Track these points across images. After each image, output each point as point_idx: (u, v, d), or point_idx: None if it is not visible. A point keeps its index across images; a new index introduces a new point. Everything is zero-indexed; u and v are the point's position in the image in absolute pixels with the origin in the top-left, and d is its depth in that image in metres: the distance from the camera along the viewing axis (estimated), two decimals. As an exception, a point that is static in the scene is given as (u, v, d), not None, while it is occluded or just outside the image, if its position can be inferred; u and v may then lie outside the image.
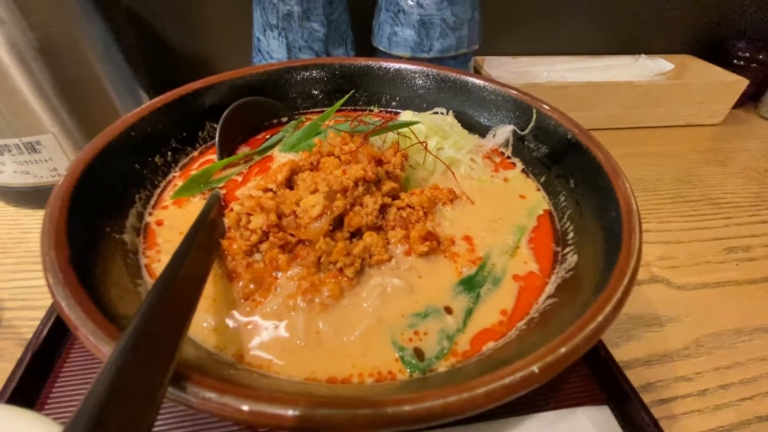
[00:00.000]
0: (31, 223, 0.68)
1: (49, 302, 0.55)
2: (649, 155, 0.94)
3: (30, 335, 0.52)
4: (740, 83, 0.99)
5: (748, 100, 1.10)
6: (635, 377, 0.48)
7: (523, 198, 0.48)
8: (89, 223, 0.34)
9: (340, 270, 0.35)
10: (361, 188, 0.40)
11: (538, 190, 0.49)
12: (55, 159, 0.64)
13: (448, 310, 0.34)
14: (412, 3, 0.73)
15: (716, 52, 1.12)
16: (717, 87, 1.00)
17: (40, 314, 0.54)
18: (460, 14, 0.74)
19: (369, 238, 0.37)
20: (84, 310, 0.24)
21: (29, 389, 0.42)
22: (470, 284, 0.36)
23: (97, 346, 0.22)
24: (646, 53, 1.11)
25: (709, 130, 1.05)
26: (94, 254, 0.31)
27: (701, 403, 0.47)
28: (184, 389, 0.21)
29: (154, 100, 0.48)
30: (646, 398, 0.45)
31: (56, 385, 0.44)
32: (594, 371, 0.43)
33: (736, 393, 0.48)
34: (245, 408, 0.20)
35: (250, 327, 0.32)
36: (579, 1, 1.05)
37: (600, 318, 0.25)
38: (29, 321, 0.53)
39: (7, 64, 0.56)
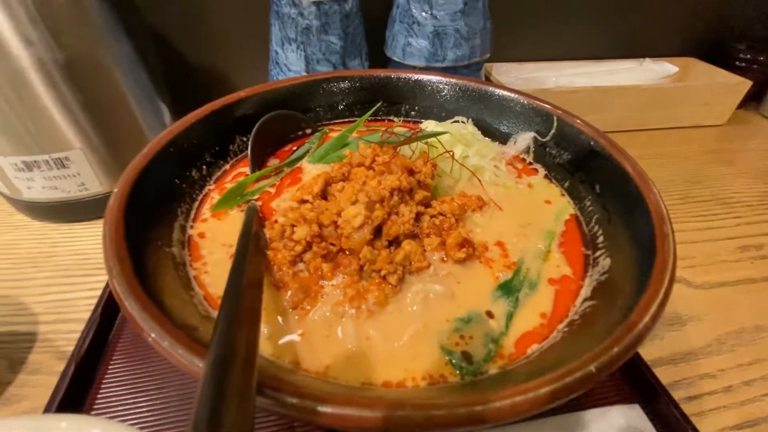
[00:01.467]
0: (58, 237, 0.69)
1: (83, 315, 0.56)
2: (659, 156, 0.96)
3: (66, 348, 0.53)
4: (743, 84, 1.01)
5: (749, 100, 1.13)
6: (662, 375, 0.49)
7: (549, 203, 0.49)
8: (144, 237, 0.35)
9: (383, 278, 0.37)
10: (396, 198, 0.41)
11: (563, 195, 0.50)
12: (82, 174, 0.66)
13: (490, 315, 0.35)
14: (426, 14, 0.75)
15: (718, 54, 1.14)
16: (721, 89, 1.02)
17: (76, 326, 0.55)
18: (473, 25, 0.76)
19: (408, 246, 0.38)
20: (158, 324, 0.25)
21: (74, 401, 0.43)
22: (508, 289, 0.38)
23: (182, 361, 0.23)
24: (649, 56, 1.13)
25: (715, 131, 1.07)
26: (153, 267, 0.33)
27: (727, 399, 0.48)
28: (268, 396, 0.22)
29: (188, 115, 0.50)
30: (674, 396, 0.46)
31: (99, 396, 0.45)
32: (624, 371, 0.44)
33: (759, 389, 0.50)
34: (329, 411, 0.21)
35: (301, 334, 0.33)
36: (582, 7, 1.07)
37: (646, 318, 0.27)
38: (65, 334, 0.54)
39: (37, 83, 0.57)
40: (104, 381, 0.46)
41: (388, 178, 0.42)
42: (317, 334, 0.33)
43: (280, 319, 0.34)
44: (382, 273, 0.36)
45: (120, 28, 0.64)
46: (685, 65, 1.13)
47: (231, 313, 0.25)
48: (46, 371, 0.50)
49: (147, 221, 0.37)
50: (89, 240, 0.68)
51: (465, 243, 0.39)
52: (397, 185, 0.41)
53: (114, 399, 0.44)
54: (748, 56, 1.09)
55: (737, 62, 1.11)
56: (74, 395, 0.44)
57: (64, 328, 0.55)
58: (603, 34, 1.14)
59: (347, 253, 0.39)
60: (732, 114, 1.07)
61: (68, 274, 0.62)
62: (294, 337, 0.33)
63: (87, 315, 0.53)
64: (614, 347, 0.25)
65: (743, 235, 0.73)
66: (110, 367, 0.47)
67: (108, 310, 0.50)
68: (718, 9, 1.13)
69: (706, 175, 0.89)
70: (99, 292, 0.59)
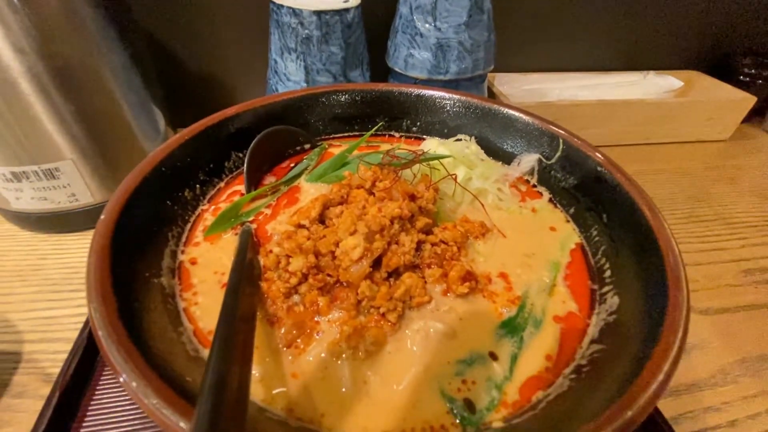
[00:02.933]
0: (47, 248, 0.67)
1: (69, 334, 0.54)
2: (661, 172, 0.94)
3: (52, 369, 0.51)
4: (748, 100, 1.00)
5: (754, 116, 1.11)
6: (664, 408, 0.48)
7: (554, 230, 0.48)
8: (131, 270, 0.33)
9: (382, 315, 0.35)
10: (396, 226, 0.40)
11: (568, 221, 0.49)
12: (73, 185, 0.64)
13: (493, 356, 0.34)
14: (429, 26, 0.73)
15: (722, 68, 1.13)
16: (725, 104, 1.01)
17: (62, 347, 0.53)
18: (477, 37, 0.74)
19: (409, 279, 0.37)
20: (145, 379, 0.23)
21: (58, 431, 0.42)
22: (512, 327, 0.36)
23: (167, 423, 0.22)
24: (652, 69, 1.12)
25: (718, 146, 1.05)
26: (139, 304, 0.31)
27: (732, 435, 0.47)
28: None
29: (182, 132, 0.48)
30: (678, 431, 0.45)
31: (84, 425, 0.43)
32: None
33: (764, 423, 0.48)
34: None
35: (295, 377, 0.32)
36: (587, 19, 1.06)
37: (660, 377, 0.25)
38: (51, 354, 0.52)
39: (28, 93, 0.55)
40: (90, 409, 0.45)
41: (389, 205, 0.40)
42: (312, 376, 0.32)
43: (272, 358, 0.32)
44: (381, 310, 0.35)
45: (115, 35, 0.62)
46: (689, 79, 1.12)
47: (220, 368, 0.23)
48: (30, 395, 0.49)
49: (136, 251, 0.35)
50: (79, 253, 0.66)
51: (468, 276, 0.38)
52: (399, 213, 0.40)
53: (99, 429, 0.43)
54: (753, 71, 1.08)
55: (741, 76, 1.09)
56: (58, 424, 0.42)
57: (50, 348, 0.53)
58: (607, 46, 1.12)
59: (345, 284, 0.37)
60: (736, 129, 1.06)
61: (56, 288, 0.60)
62: (287, 379, 0.31)
63: (73, 334, 0.52)
64: (627, 411, 0.23)
65: (748, 258, 0.71)
66: (96, 394, 0.46)
67: (89, 320, 0.48)
68: (723, 22, 1.12)
69: (709, 193, 0.88)
70: (85, 310, 0.57)
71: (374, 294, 0.35)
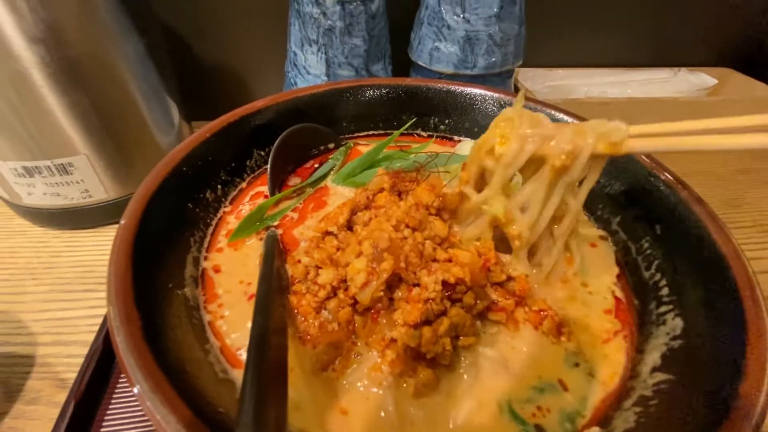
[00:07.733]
0: (60, 245, 0.65)
1: (84, 337, 0.52)
2: (693, 175, 0.89)
3: (66, 374, 0.49)
4: (786, 100, 0.96)
5: (788, 116, 1.06)
6: None
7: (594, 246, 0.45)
8: (154, 282, 0.30)
9: (431, 360, 0.31)
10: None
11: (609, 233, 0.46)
12: (86, 180, 0.61)
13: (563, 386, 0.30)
14: (457, 18, 0.70)
15: (756, 65, 1.08)
16: (762, 104, 0.97)
17: (76, 350, 0.51)
18: (508, 30, 0.71)
19: (457, 318, 0.32)
20: (177, 414, 0.21)
21: (73, 444, 0.40)
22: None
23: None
24: (683, 65, 1.07)
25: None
26: (164, 320, 0.28)
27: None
28: None
29: (203, 129, 0.45)
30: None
31: (101, 435, 0.41)
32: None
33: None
34: None
35: (332, 404, 0.29)
36: (613, 12, 1.01)
37: (755, 418, 0.22)
38: (65, 358, 0.50)
39: (41, 84, 0.53)
40: (106, 418, 0.43)
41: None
42: (350, 404, 0.29)
43: (306, 382, 0.30)
44: (429, 356, 0.30)
45: (129, 24, 0.59)
46: (721, 76, 1.07)
47: (256, 392, 0.20)
48: (44, 401, 0.46)
49: (159, 258, 0.33)
50: (92, 250, 0.64)
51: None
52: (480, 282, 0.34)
53: (116, 442, 0.41)
54: (791, 69, 1.03)
55: (777, 75, 1.04)
56: (74, 434, 0.40)
57: (64, 351, 0.51)
58: (635, 40, 1.07)
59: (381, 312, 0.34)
60: (770, 130, 1.01)
61: (69, 288, 0.58)
62: (323, 407, 0.28)
63: (88, 337, 0.50)
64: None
65: (788, 269, 0.68)
66: (113, 402, 0.44)
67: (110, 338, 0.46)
68: (757, 16, 1.06)
69: (745, 198, 0.84)
70: (100, 311, 0.55)
71: (417, 340, 0.30)
